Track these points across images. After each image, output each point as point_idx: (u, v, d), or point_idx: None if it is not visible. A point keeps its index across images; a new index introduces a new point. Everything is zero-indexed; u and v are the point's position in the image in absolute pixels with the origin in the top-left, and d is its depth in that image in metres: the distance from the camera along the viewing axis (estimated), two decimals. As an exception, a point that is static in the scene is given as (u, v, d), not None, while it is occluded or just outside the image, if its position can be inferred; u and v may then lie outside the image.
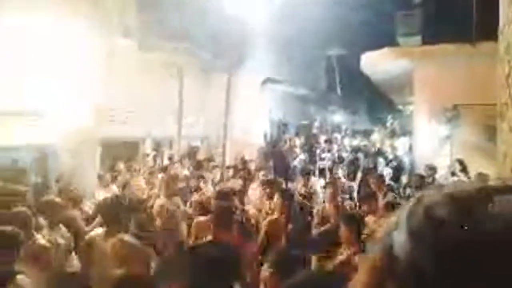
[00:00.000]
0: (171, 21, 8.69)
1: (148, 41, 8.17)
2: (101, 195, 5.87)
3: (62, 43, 6.89)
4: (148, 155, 8.49)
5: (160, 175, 6.81)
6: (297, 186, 6.95)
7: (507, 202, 0.43)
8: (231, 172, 7.87)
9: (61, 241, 3.94)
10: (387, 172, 8.56)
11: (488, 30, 5.53)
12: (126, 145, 8.89)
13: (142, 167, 7.48)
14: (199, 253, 3.42)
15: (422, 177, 6.70)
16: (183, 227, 5.04)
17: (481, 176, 5.98)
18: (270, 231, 4.45)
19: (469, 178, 6.47)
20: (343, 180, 8.08)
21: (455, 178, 6.85)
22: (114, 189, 6.35)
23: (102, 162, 8.20)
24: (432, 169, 7.14)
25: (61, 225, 4.15)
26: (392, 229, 0.47)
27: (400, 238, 0.45)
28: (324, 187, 6.85)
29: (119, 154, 8.28)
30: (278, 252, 2.96)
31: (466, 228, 0.41)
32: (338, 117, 18.83)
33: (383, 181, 5.95)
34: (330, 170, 9.31)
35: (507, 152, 3.32)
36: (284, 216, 4.57)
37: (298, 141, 10.36)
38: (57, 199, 4.49)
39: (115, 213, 3.66)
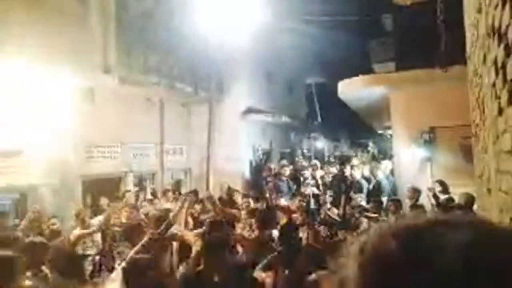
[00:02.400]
0: (150, 56, 8.79)
1: (128, 76, 8.22)
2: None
3: (42, 82, 6.89)
4: (129, 191, 8.36)
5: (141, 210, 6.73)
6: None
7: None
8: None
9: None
10: (369, 196, 8.63)
11: (457, 55, 5.75)
12: (108, 181, 8.79)
13: (123, 203, 7.35)
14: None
15: (398, 201, 6.74)
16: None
17: (466, 195, 6.03)
18: None
19: (450, 198, 6.55)
20: (329, 206, 8.16)
21: (441, 198, 6.88)
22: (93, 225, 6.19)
23: (83, 199, 8.07)
24: (417, 191, 7.14)
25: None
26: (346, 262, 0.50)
27: (351, 271, 0.48)
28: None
29: (101, 190, 8.16)
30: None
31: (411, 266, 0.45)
32: (320, 144, 19.01)
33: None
34: (314, 196, 9.34)
35: (483, 171, 3.41)
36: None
37: (284, 169, 10.38)
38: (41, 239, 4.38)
39: None
